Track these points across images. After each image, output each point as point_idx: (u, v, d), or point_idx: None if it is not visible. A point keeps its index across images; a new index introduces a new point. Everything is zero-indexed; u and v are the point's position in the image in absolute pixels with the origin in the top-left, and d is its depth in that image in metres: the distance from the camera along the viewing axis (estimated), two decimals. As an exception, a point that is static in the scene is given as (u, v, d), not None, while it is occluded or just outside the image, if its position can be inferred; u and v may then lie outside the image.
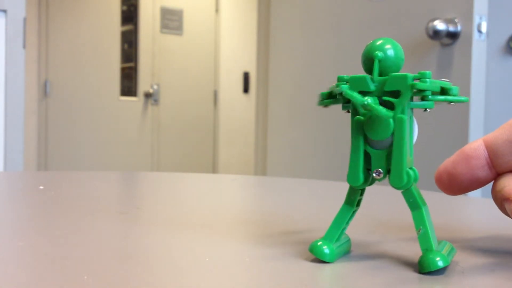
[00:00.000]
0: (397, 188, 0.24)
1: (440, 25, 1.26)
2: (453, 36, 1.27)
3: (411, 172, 0.25)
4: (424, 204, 0.25)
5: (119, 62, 3.47)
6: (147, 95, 3.59)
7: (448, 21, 1.27)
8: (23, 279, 0.22)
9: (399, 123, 0.24)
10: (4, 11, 1.67)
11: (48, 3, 3.16)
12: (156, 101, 3.62)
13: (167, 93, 3.67)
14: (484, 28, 1.25)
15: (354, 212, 0.26)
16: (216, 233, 0.32)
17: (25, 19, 1.72)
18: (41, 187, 0.53)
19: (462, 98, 0.25)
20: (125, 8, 3.51)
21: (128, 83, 3.56)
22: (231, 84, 3.88)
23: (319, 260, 0.25)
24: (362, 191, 0.26)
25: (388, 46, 0.25)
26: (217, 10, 3.84)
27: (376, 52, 0.25)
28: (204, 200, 0.48)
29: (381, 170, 0.25)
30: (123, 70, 3.51)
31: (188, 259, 0.26)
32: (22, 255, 0.27)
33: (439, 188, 0.28)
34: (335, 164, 1.58)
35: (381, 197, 0.48)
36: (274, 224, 0.35)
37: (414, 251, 0.27)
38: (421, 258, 0.24)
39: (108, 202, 0.46)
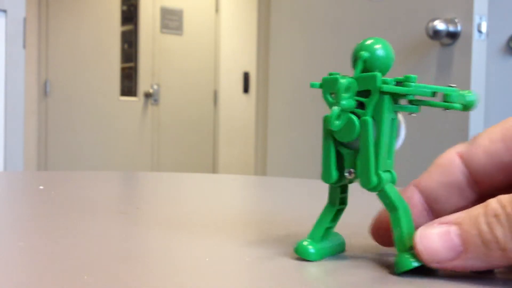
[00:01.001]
0: (367, 189, 0.24)
1: (440, 25, 1.26)
2: (453, 36, 1.27)
3: (384, 174, 0.24)
4: (402, 205, 0.24)
5: (119, 62, 3.47)
6: (147, 95, 3.59)
7: (448, 21, 1.27)
8: (23, 279, 0.22)
9: (363, 124, 0.24)
10: (4, 11, 1.67)
11: (48, 3, 3.16)
12: (156, 101, 3.62)
13: (167, 93, 3.66)
14: (484, 28, 1.25)
15: (340, 210, 0.26)
16: (216, 233, 0.32)
17: (25, 19, 1.72)
18: (41, 187, 0.53)
19: (454, 105, 0.24)
20: (125, 8, 3.51)
21: (128, 83, 3.56)
22: (231, 84, 3.88)
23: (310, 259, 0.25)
24: (344, 188, 0.26)
25: (376, 46, 0.25)
26: (217, 10, 3.84)
27: (361, 52, 0.25)
28: (204, 200, 0.48)
29: (352, 170, 0.25)
30: (123, 70, 3.51)
31: (188, 259, 0.26)
32: (22, 255, 0.27)
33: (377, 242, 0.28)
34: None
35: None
36: (274, 224, 0.35)
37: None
38: (396, 258, 0.24)
39: (108, 202, 0.46)
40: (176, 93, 3.70)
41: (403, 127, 0.25)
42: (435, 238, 0.22)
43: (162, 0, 3.62)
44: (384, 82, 0.24)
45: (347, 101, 0.24)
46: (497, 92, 1.38)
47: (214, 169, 3.90)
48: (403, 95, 0.24)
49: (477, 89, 1.27)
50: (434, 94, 0.24)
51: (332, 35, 1.58)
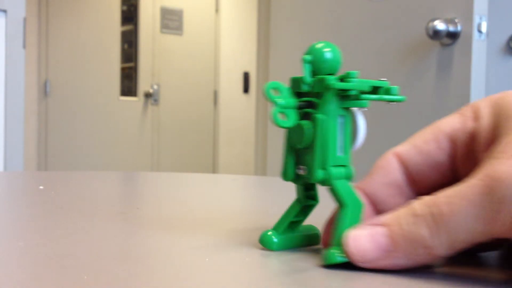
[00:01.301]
0: (313, 182, 0.26)
1: (440, 25, 1.26)
2: (453, 36, 1.27)
3: (334, 169, 0.25)
4: (353, 202, 0.25)
5: (119, 62, 3.47)
6: (147, 95, 3.59)
7: (448, 21, 1.27)
8: (23, 279, 0.22)
9: (315, 122, 0.25)
10: (4, 11, 1.67)
11: (48, 3, 3.16)
12: (156, 101, 3.62)
13: (167, 93, 3.66)
14: (484, 28, 1.25)
15: (308, 206, 0.27)
16: (216, 233, 0.32)
17: (25, 19, 1.72)
18: (41, 187, 0.53)
19: (397, 97, 0.25)
20: (125, 8, 3.51)
21: (128, 83, 3.56)
22: (231, 84, 3.88)
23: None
24: (310, 186, 0.27)
25: (324, 50, 0.26)
26: (217, 10, 3.84)
27: (305, 56, 0.26)
28: (204, 200, 0.48)
29: (302, 167, 0.26)
30: (123, 70, 3.51)
31: (188, 259, 0.26)
32: (22, 255, 0.27)
33: None
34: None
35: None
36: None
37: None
38: (325, 251, 0.24)
39: (108, 202, 0.46)
40: (176, 93, 3.70)
41: (360, 124, 0.26)
42: (365, 239, 0.23)
43: (162, 0, 3.62)
44: (328, 81, 0.25)
45: (286, 100, 0.25)
46: (497, 92, 1.38)
47: (214, 169, 3.90)
48: (346, 91, 0.25)
49: (477, 89, 1.27)
50: (373, 88, 0.25)
51: (332, 35, 1.58)
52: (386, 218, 0.24)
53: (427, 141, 0.26)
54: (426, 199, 0.23)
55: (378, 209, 0.27)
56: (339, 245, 0.24)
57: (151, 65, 3.60)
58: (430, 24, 1.27)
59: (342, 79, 0.25)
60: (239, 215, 0.40)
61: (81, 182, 0.60)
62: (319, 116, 0.25)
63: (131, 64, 3.56)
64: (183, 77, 3.72)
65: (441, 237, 0.22)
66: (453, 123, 0.26)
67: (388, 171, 0.27)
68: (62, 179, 0.61)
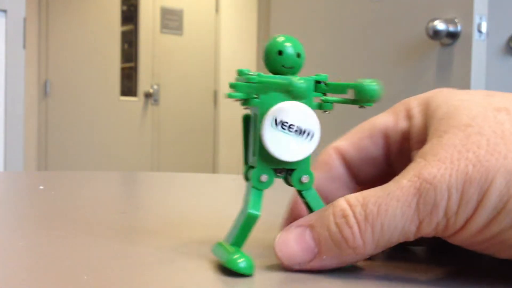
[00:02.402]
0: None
1: (440, 25, 1.26)
2: (453, 36, 1.27)
3: (249, 171, 0.25)
4: (251, 211, 0.24)
5: (119, 62, 3.47)
6: (147, 95, 3.59)
7: (448, 21, 1.27)
8: (23, 279, 0.22)
9: None
10: (4, 11, 1.67)
11: (48, 3, 3.16)
12: (156, 101, 3.62)
13: (167, 93, 3.66)
14: (484, 28, 1.25)
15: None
16: (216, 233, 0.32)
17: (25, 19, 1.72)
18: (41, 187, 0.53)
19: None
20: (125, 8, 3.51)
21: (128, 83, 3.56)
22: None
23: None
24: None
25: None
26: (217, 10, 3.84)
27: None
28: (204, 200, 0.48)
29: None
30: (123, 70, 3.51)
31: (188, 259, 0.26)
32: (22, 255, 0.27)
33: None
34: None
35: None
36: (274, 224, 0.35)
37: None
38: (227, 257, 0.23)
39: (108, 202, 0.46)
40: (176, 93, 3.70)
41: (263, 126, 0.24)
42: (292, 242, 0.23)
43: (162, 0, 3.62)
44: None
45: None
46: (497, 92, 1.38)
47: (214, 169, 3.90)
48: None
49: (477, 89, 1.27)
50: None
51: (332, 35, 1.58)
52: (310, 218, 0.24)
53: (362, 138, 0.27)
54: (353, 198, 0.22)
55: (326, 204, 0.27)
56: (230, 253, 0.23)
57: (151, 65, 3.60)
58: (430, 24, 1.27)
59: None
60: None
61: (81, 182, 0.60)
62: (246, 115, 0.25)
63: (131, 64, 3.56)
64: (183, 77, 3.72)
65: (368, 237, 0.22)
66: (386, 121, 0.26)
67: (330, 165, 0.27)
68: (62, 179, 0.61)
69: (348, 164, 0.27)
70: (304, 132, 0.24)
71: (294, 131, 0.24)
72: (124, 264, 0.25)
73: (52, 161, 3.24)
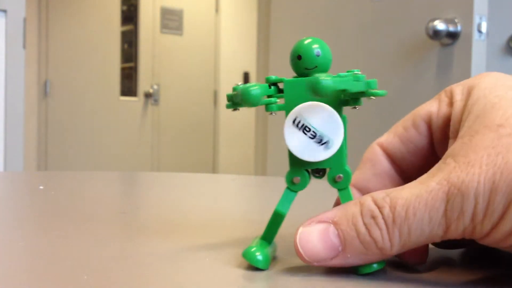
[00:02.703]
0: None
1: (440, 25, 1.26)
2: (453, 36, 1.27)
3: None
4: (277, 209, 0.25)
5: (119, 62, 3.47)
6: (147, 95, 3.59)
7: (448, 21, 1.27)
8: (23, 279, 0.22)
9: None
10: (4, 11, 1.67)
11: (48, 3, 3.16)
12: (156, 101, 3.62)
13: (167, 93, 3.66)
14: (484, 28, 1.25)
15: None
16: (216, 233, 0.32)
17: (25, 19, 1.72)
18: (41, 187, 0.53)
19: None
20: (125, 8, 3.51)
21: (128, 83, 3.56)
22: (231, 84, 3.86)
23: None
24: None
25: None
26: (217, 10, 3.84)
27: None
28: (204, 200, 0.48)
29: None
30: (123, 70, 3.51)
31: (188, 259, 0.26)
32: (22, 255, 0.27)
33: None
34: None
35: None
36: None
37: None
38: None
39: (108, 202, 0.46)
40: (176, 93, 3.70)
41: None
42: (314, 239, 0.23)
43: (162, 0, 3.62)
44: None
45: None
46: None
47: (214, 169, 3.90)
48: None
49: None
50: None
51: (332, 35, 1.58)
52: (334, 214, 0.23)
53: (407, 128, 0.26)
54: (380, 199, 0.22)
55: None
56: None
57: (151, 65, 3.60)
58: (430, 24, 1.27)
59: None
60: (239, 215, 0.40)
61: (81, 182, 0.60)
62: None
63: (131, 64, 3.56)
64: (183, 77, 3.72)
65: (395, 239, 0.22)
66: (429, 107, 0.26)
67: (375, 162, 0.27)
68: (62, 179, 0.61)
69: (394, 158, 0.27)
70: (319, 136, 0.24)
71: (310, 134, 0.24)
72: (124, 264, 0.25)
73: (52, 161, 3.24)
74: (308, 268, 0.24)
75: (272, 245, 0.26)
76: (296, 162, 0.25)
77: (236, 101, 0.24)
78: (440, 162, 0.22)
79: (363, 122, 1.42)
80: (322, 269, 0.24)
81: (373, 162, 0.27)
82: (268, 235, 0.25)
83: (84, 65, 3.32)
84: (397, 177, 0.27)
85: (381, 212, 0.22)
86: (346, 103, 0.25)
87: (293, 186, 0.25)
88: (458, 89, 0.25)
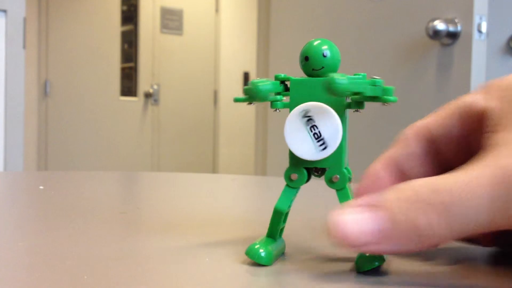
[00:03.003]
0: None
1: (440, 25, 1.26)
2: (453, 36, 1.27)
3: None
4: (276, 206, 0.26)
5: (119, 62, 3.47)
6: (147, 95, 3.59)
7: (448, 21, 1.27)
8: (23, 279, 0.22)
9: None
10: (4, 11, 1.67)
11: (48, 3, 3.16)
12: (156, 101, 3.62)
13: (167, 93, 3.66)
14: (484, 28, 1.25)
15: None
16: (216, 234, 0.32)
17: (25, 19, 1.72)
18: (41, 187, 0.53)
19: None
20: (125, 8, 3.51)
21: (128, 83, 3.56)
22: (231, 84, 3.88)
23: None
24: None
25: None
26: (217, 10, 3.84)
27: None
28: (204, 200, 0.48)
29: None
30: (123, 70, 3.51)
31: (188, 260, 0.26)
32: (22, 255, 0.27)
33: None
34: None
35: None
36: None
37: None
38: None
39: (108, 202, 0.46)
40: (176, 93, 3.70)
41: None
42: (352, 223, 0.22)
43: (162, 0, 3.62)
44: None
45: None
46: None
47: (214, 169, 3.90)
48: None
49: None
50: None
51: (332, 35, 1.58)
52: (375, 200, 0.22)
53: (450, 114, 0.26)
54: (425, 187, 0.22)
55: (402, 180, 0.26)
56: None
57: (151, 65, 3.60)
58: (430, 24, 1.27)
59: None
60: (239, 215, 0.40)
61: (81, 182, 0.60)
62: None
63: (131, 64, 3.56)
64: (183, 77, 3.72)
65: (441, 228, 0.21)
66: (468, 100, 0.26)
67: (408, 142, 0.27)
68: (62, 179, 0.61)
69: (430, 142, 0.27)
70: (321, 139, 0.24)
71: (313, 133, 0.24)
72: (124, 264, 0.25)
73: (52, 161, 3.24)
74: (312, 264, 0.24)
75: (280, 242, 0.26)
76: (294, 160, 0.25)
77: (249, 94, 0.25)
78: (485, 150, 0.22)
79: (363, 122, 1.42)
80: (324, 265, 0.24)
81: (406, 142, 0.27)
82: (272, 232, 0.26)
83: (84, 65, 3.32)
84: (431, 161, 0.27)
85: (427, 198, 0.21)
86: (348, 105, 0.25)
87: (291, 183, 0.25)
88: (496, 84, 0.25)
